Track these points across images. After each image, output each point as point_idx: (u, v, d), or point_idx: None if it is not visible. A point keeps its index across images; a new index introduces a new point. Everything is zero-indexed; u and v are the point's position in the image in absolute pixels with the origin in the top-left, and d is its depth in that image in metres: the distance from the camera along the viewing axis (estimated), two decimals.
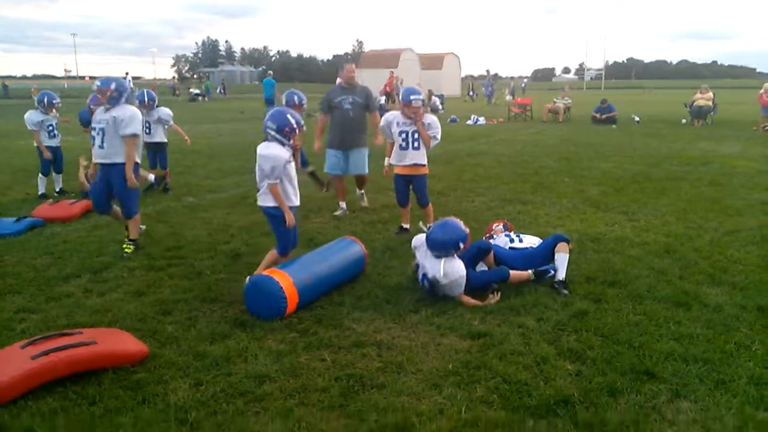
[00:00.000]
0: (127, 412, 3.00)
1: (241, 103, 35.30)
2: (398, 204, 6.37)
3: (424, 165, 6.12)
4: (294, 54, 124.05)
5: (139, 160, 5.67)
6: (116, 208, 5.85)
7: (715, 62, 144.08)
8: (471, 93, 42.20)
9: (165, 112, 8.80)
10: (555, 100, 22.26)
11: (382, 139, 6.83)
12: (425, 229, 5.31)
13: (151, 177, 8.74)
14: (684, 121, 19.74)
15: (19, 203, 8.04)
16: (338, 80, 7.43)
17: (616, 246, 5.73)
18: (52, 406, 3.03)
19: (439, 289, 4.37)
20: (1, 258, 5.55)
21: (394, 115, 6.11)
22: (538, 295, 4.43)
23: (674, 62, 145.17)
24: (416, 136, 5.96)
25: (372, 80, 28.17)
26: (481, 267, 4.77)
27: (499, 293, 4.38)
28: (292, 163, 4.53)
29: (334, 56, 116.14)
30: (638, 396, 3.10)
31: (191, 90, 44.27)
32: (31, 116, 8.37)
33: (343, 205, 7.29)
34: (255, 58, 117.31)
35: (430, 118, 6.05)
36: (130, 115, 5.47)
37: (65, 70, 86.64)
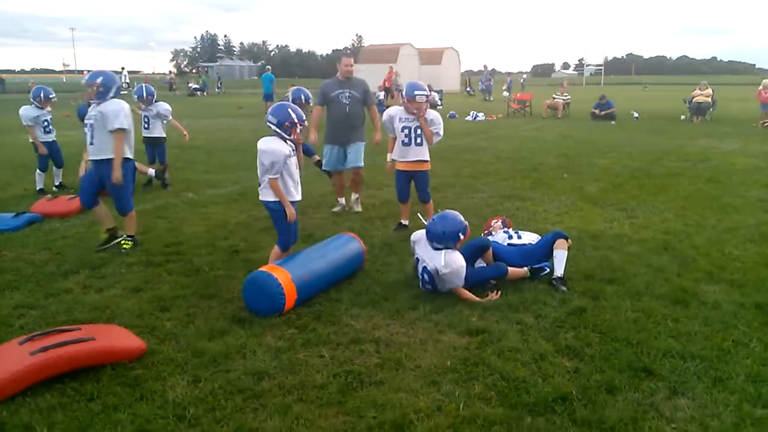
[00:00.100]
0: (126, 408, 3.00)
1: (239, 99, 35.21)
2: (398, 200, 6.36)
3: (426, 161, 6.10)
4: (293, 49, 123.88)
5: (130, 155, 5.59)
6: (101, 209, 5.69)
7: (714, 58, 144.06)
8: (469, 89, 42.09)
9: (164, 107, 8.78)
10: (554, 96, 22.24)
11: (380, 138, 6.82)
12: (423, 221, 5.30)
13: (151, 171, 8.74)
14: (683, 117, 19.74)
15: (17, 199, 8.02)
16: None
17: (615, 243, 5.73)
18: (50, 403, 3.03)
19: (439, 282, 4.38)
20: (0, 253, 5.54)
21: (396, 110, 6.07)
22: (537, 292, 4.44)
23: (674, 58, 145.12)
24: (419, 131, 5.94)
25: (371, 75, 28.12)
26: (480, 264, 4.78)
27: (499, 292, 4.39)
28: (293, 158, 4.53)
29: (333, 51, 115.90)
30: (636, 393, 3.11)
31: (190, 84, 44.09)
32: (27, 112, 8.32)
33: (341, 201, 7.28)
34: (254, 52, 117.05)
35: (433, 114, 6.01)
36: (117, 109, 5.37)
37: (64, 65, 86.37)
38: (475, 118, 21.28)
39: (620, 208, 7.25)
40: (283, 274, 4.12)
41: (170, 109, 8.90)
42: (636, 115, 20.49)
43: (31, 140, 8.42)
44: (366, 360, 3.51)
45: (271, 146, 4.39)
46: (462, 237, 4.47)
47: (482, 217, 6.47)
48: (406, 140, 5.98)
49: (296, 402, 3.06)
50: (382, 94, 25.24)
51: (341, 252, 4.76)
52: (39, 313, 4.19)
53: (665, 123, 18.75)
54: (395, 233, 6.17)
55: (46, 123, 8.43)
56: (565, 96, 22.01)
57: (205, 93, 41.87)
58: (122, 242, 5.65)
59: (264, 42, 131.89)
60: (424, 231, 4.63)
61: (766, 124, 17.11)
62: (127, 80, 40.66)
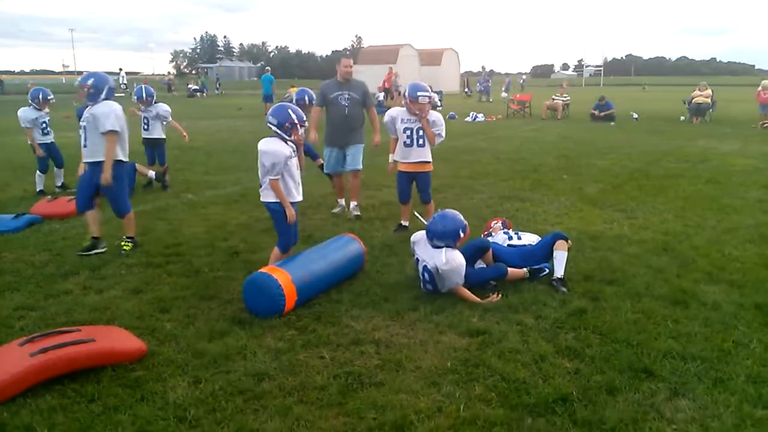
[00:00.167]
0: (126, 409, 3.00)
1: (239, 100, 35.22)
2: (399, 201, 6.35)
3: (428, 162, 6.09)
4: (293, 50, 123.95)
5: (123, 158, 5.47)
6: (93, 214, 5.56)
7: (714, 59, 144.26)
8: (467, 90, 42.09)
9: (163, 108, 8.78)
10: (554, 97, 22.25)
11: (380, 140, 6.81)
12: (423, 220, 5.29)
13: (151, 173, 8.73)
14: (683, 118, 19.75)
15: (17, 200, 8.02)
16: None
17: (615, 244, 5.73)
18: (51, 404, 3.03)
19: (439, 280, 4.38)
20: (0, 255, 5.54)
21: (398, 111, 6.05)
22: (537, 293, 4.44)
23: (673, 59, 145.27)
24: (421, 133, 5.92)
25: (371, 76, 28.11)
26: (480, 265, 4.78)
27: (500, 294, 4.39)
28: (294, 159, 4.53)
29: (333, 52, 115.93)
30: (636, 394, 3.11)
31: (189, 86, 44.07)
32: (25, 113, 8.32)
33: (341, 202, 7.27)
34: (254, 53, 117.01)
35: (435, 116, 5.99)
36: (107, 111, 5.29)
37: (63, 65, 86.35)
38: (474, 119, 21.30)
39: (620, 209, 7.26)
40: (283, 276, 4.12)
41: (170, 110, 8.90)
42: (635, 116, 20.50)
43: (29, 142, 8.42)
44: (366, 361, 3.50)
45: (272, 147, 4.40)
46: (462, 235, 4.48)
47: (482, 218, 6.47)
48: (408, 141, 5.97)
49: (297, 403, 3.06)
50: (381, 95, 25.27)
51: (341, 253, 4.76)
52: (39, 314, 4.18)
53: (665, 124, 18.76)
54: (395, 234, 6.17)
55: (44, 124, 8.43)
56: (565, 97, 22.02)
57: (204, 94, 41.86)
58: (122, 244, 5.64)
59: (263, 43, 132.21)
60: (423, 232, 4.63)
61: (765, 125, 17.13)
62: (125, 81, 40.58)
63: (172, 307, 4.30)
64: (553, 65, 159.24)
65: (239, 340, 3.74)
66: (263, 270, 4.24)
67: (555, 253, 4.71)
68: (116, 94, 5.75)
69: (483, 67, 39.04)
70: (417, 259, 4.61)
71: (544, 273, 4.74)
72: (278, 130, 4.43)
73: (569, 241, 4.92)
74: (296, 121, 4.44)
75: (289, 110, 4.47)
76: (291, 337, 3.81)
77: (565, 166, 10.60)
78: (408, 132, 5.94)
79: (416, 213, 5.96)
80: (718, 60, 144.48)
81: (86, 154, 5.44)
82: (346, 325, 3.99)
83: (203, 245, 5.83)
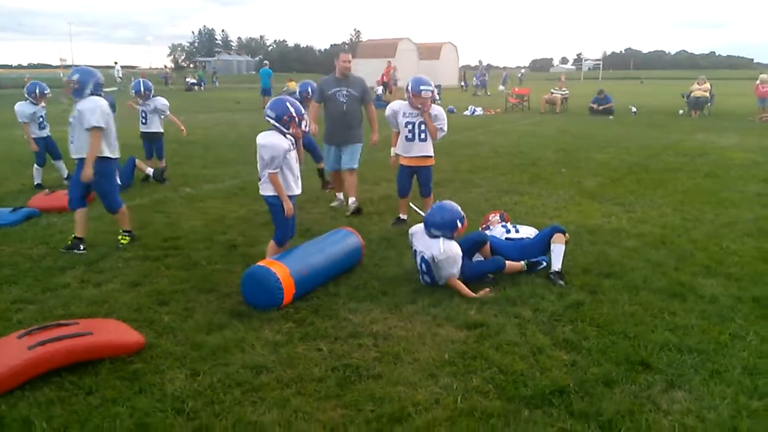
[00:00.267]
0: (124, 402, 3.00)
1: (237, 93, 35.12)
2: (398, 194, 6.34)
3: (430, 156, 6.07)
4: (291, 44, 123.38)
5: (109, 154, 5.34)
6: (81, 212, 5.47)
7: (713, 53, 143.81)
8: (464, 83, 42.01)
9: (161, 102, 8.77)
10: (552, 90, 22.22)
11: (377, 139, 6.77)
12: (419, 212, 5.28)
13: (149, 170, 8.72)
14: (681, 112, 19.75)
15: (15, 194, 8.01)
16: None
17: (613, 237, 5.74)
18: (49, 397, 3.04)
19: (435, 270, 4.39)
20: None
21: (400, 105, 6.02)
22: (534, 286, 4.45)
23: (672, 53, 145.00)
24: (423, 127, 5.90)
25: (369, 70, 28.07)
26: (478, 258, 4.78)
27: (498, 288, 4.38)
28: (293, 152, 4.52)
29: (331, 46, 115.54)
30: (633, 386, 3.12)
31: (187, 79, 43.95)
32: (23, 108, 8.29)
33: (340, 196, 7.26)
34: (252, 47, 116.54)
35: (437, 110, 5.96)
36: (92, 107, 5.17)
37: (61, 59, 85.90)
38: (473, 112, 21.29)
39: (618, 202, 7.26)
40: (282, 269, 4.12)
41: (168, 104, 8.88)
42: (634, 109, 20.48)
43: (25, 137, 8.39)
44: (364, 354, 3.51)
45: (271, 141, 4.39)
46: (460, 225, 4.48)
47: (480, 212, 6.46)
48: (410, 135, 5.94)
49: (295, 395, 3.06)
50: (380, 89, 25.22)
51: (339, 246, 4.76)
52: (37, 307, 4.19)
53: (663, 118, 18.75)
54: (393, 228, 6.17)
55: (41, 119, 8.42)
56: (563, 91, 22.00)
57: (202, 87, 41.75)
58: (119, 237, 5.63)
59: (262, 36, 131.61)
60: (421, 224, 4.63)
61: (763, 119, 17.13)
62: (120, 75, 40.41)
63: (170, 300, 4.30)
64: (552, 59, 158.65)
65: (237, 333, 3.74)
66: (261, 263, 4.24)
67: (552, 247, 4.72)
68: (111, 89, 5.69)
69: (480, 61, 39.02)
70: (415, 251, 4.62)
71: (542, 266, 4.75)
72: (276, 124, 4.42)
73: (567, 235, 4.92)
74: (294, 115, 4.43)
75: (287, 103, 4.46)
76: (289, 330, 3.81)
77: (564, 159, 10.60)
78: (410, 126, 5.91)
79: (412, 205, 5.96)
80: (717, 54, 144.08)
81: (73, 150, 5.33)
82: (344, 318, 4.00)
83: (201, 238, 5.83)
